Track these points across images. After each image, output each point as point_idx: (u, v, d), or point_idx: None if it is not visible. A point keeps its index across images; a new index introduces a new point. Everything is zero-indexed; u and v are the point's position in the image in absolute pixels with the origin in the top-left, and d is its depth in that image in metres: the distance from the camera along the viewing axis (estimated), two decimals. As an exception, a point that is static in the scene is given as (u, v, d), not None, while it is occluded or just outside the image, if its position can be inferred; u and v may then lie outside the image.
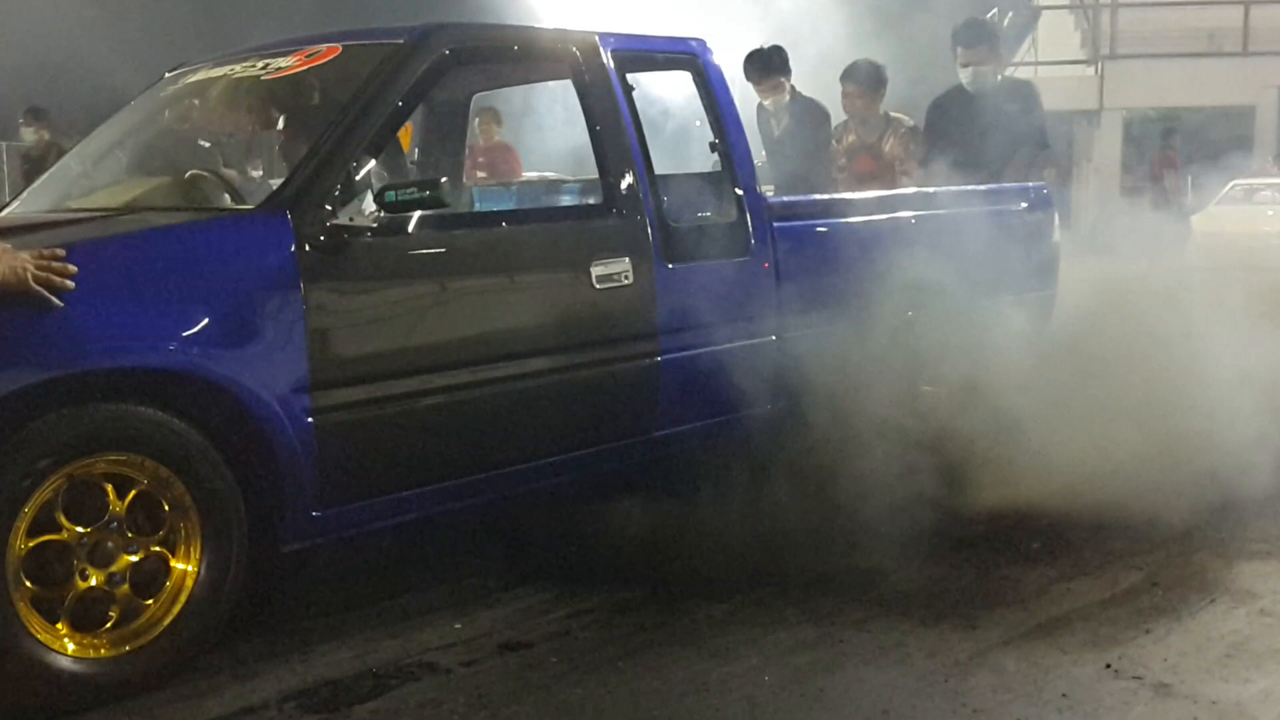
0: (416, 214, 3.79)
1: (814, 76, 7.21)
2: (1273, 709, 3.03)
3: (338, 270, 3.66)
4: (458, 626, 3.79)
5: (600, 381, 4.28)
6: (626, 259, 4.34)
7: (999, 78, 6.63)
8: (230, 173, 4.80)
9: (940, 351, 5.05)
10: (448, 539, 4.51)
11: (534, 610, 3.91)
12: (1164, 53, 19.90)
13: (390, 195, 3.70)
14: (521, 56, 4.62)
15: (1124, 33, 20.48)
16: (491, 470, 4.03)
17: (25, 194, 4.83)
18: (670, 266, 4.46)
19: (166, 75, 4.90)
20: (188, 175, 4.29)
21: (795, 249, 4.92)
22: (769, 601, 3.90)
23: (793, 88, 6.77)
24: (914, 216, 5.30)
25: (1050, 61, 20.56)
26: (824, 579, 4.02)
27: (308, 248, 3.60)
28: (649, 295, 4.40)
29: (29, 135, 10.52)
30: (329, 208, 3.68)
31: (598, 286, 4.25)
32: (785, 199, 5.20)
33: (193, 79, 4.71)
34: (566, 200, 5.30)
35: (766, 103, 6.81)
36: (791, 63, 6.71)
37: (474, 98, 5.74)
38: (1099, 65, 20.48)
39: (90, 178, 4.65)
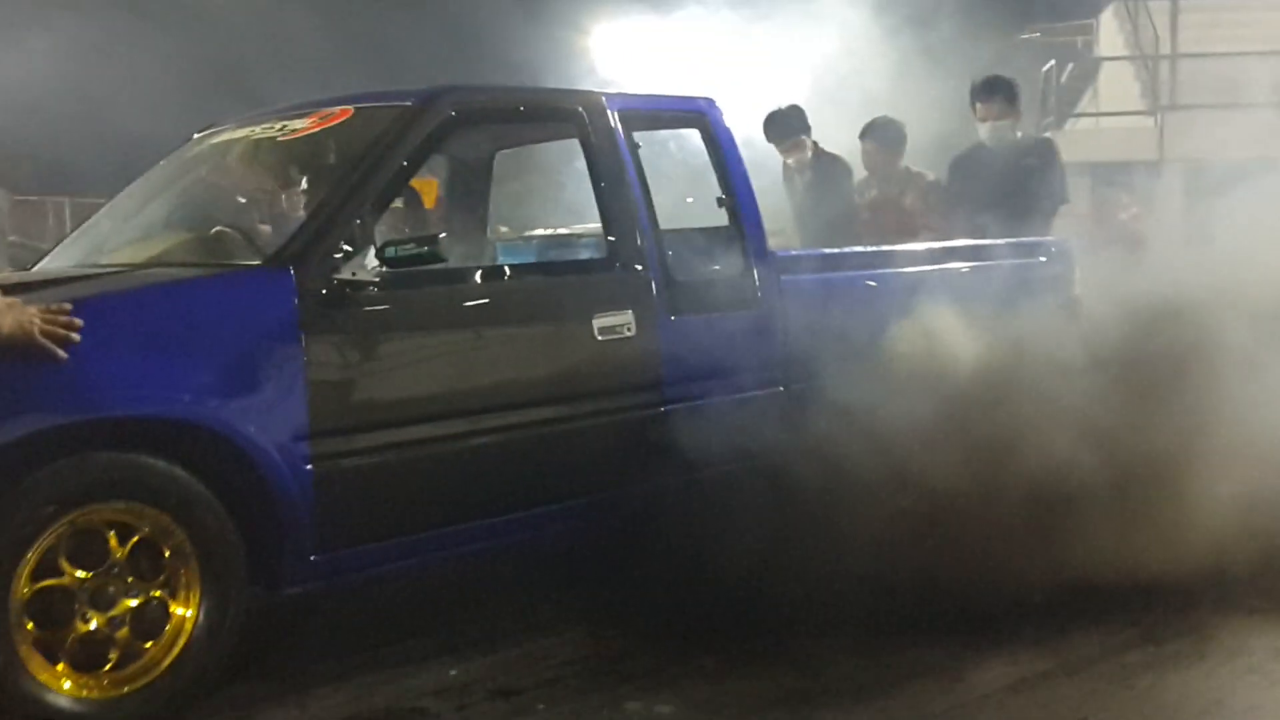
0: (417, 269, 3.90)
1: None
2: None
3: (339, 323, 3.79)
4: (453, 673, 3.87)
5: (601, 431, 4.36)
6: (630, 312, 4.43)
7: (1018, 134, 6.67)
8: (265, 228, 4.98)
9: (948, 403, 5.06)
10: (449, 586, 4.59)
11: (529, 657, 3.99)
12: (1224, 103, 19.75)
13: (390, 251, 3.83)
14: (528, 117, 4.76)
15: (1184, 83, 20.37)
16: (490, 518, 4.12)
17: (57, 248, 5.03)
18: (674, 319, 4.54)
19: (195, 136, 5.10)
20: (213, 231, 4.47)
21: (803, 302, 4.97)
22: (762, 652, 3.93)
23: (814, 144, 6.88)
24: (923, 270, 5.34)
25: (1110, 113, 20.48)
26: (817, 631, 4.05)
27: (309, 301, 3.73)
28: (652, 347, 4.49)
29: None
30: (332, 263, 3.81)
31: (600, 339, 4.34)
32: (792, 253, 5.25)
33: (218, 139, 4.90)
34: (583, 254, 5.40)
35: (789, 161, 6.92)
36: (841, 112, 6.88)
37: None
38: (1159, 116, 20.37)
39: (121, 233, 4.83)
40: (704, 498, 4.64)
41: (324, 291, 3.77)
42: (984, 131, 6.50)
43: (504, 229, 6.37)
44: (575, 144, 4.65)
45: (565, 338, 4.29)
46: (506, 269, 4.50)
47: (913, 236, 6.33)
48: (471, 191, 5.76)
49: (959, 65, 10.69)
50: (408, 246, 3.82)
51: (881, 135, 6.72)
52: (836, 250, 5.49)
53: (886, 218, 6.60)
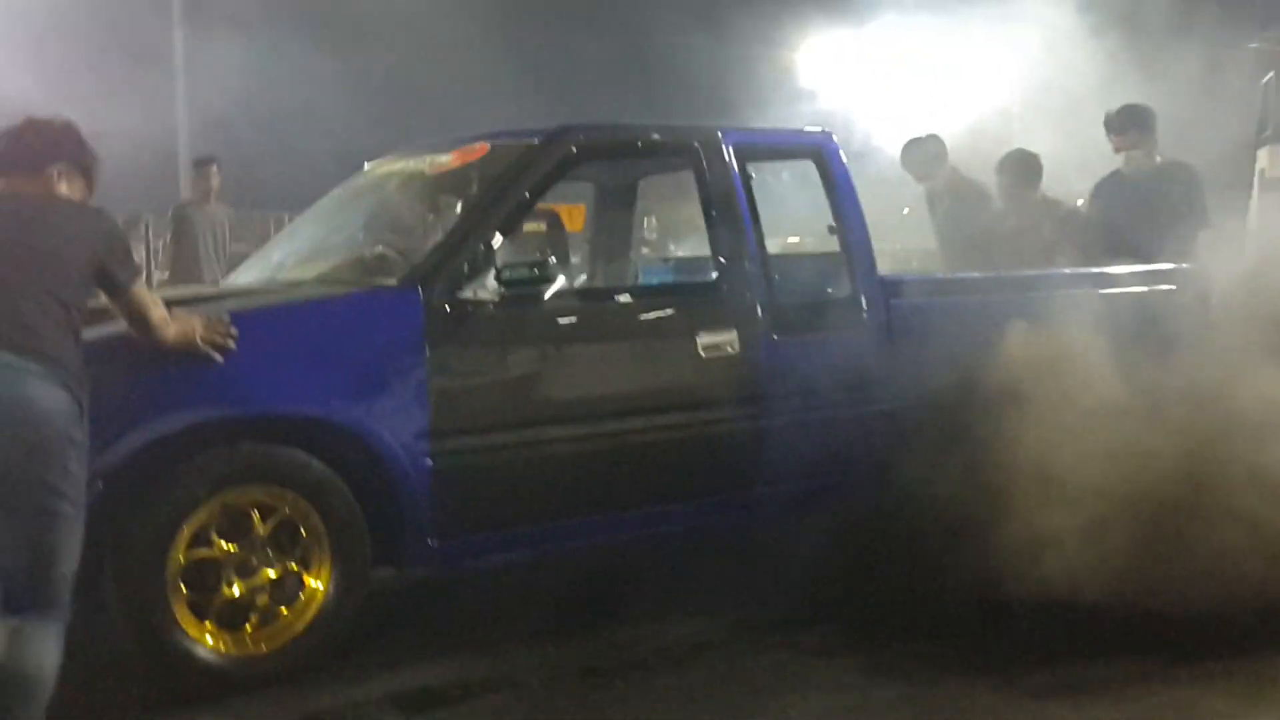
0: (533, 288, 4.37)
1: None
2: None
3: (460, 336, 4.29)
4: (549, 650, 4.30)
5: (701, 440, 4.73)
6: (734, 331, 4.80)
7: (1157, 159, 6.74)
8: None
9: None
10: (564, 577, 5.05)
11: (622, 643, 4.39)
12: None
13: (506, 273, 4.31)
14: (646, 151, 5.20)
15: None
16: (594, 515, 4.56)
17: (243, 266, 5.71)
18: (777, 338, 4.89)
19: (366, 166, 5.71)
20: (373, 252, 5.04)
21: (910, 323, 5.23)
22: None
23: (953, 169, 7.09)
24: (1034, 295, 5.49)
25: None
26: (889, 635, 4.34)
27: (434, 317, 4.24)
28: (755, 364, 4.85)
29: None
30: (456, 283, 4.31)
31: (703, 355, 4.72)
32: (900, 277, 5.50)
33: (381, 171, 5.50)
34: (694, 277, 5.77)
35: (926, 187, 7.15)
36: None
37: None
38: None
39: (296, 252, 5.46)
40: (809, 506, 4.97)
41: (448, 308, 4.27)
42: (1120, 161, 6.61)
43: (645, 250, 6.78)
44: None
45: (669, 354, 4.68)
46: (613, 290, 4.92)
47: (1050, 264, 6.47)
48: (616, 215, 6.23)
49: (1170, 72, 10.52)
50: (520, 269, 4.29)
51: (1014, 170, 6.89)
52: (946, 275, 5.71)
53: (1025, 245, 6.75)
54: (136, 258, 12.20)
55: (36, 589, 3.06)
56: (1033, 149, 7.13)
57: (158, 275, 12.42)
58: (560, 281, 4.50)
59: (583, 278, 5.88)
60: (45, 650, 3.07)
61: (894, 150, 7.58)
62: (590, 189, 6.24)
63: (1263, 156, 15.70)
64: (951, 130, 8.25)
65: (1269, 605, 4.21)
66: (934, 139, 7.26)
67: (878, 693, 3.91)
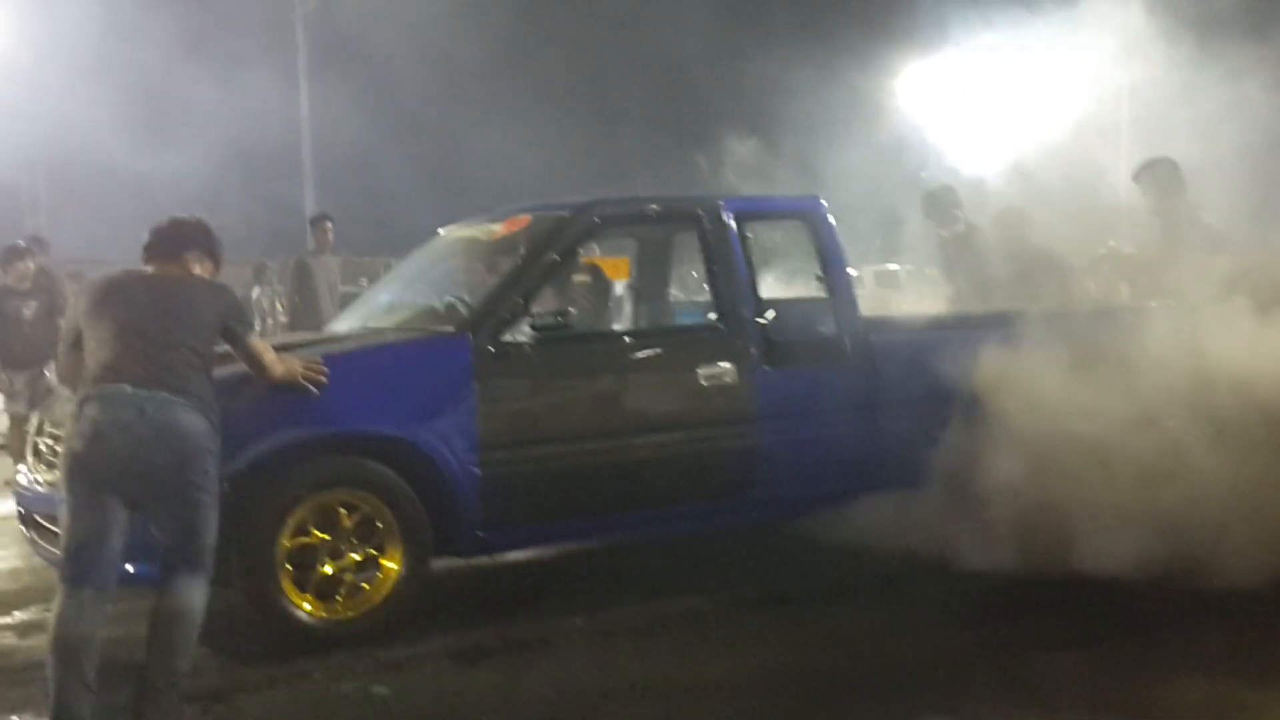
0: (559, 332, 5.51)
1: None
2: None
3: (502, 371, 5.44)
4: (573, 619, 5.42)
5: (704, 454, 5.82)
6: (731, 364, 5.89)
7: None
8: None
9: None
10: (587, 563, 6.18)
11: (631, 614, 5.49)
12: None
13: (536, 321, 5.47)
14: (658, 219, 6.34)
15: None
16: (613, 514, 5.69)
17: (342, 314, 6.96)
18: (768, 370, 5.96)
19: (440, 231, 6.93)
20: (439, 303, 6.24)
21: (888, 357, 6.25)
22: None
23: (966, 219, 8.04)
24: (1004, 331, 6.36)
25: None
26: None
27: (481, 357, 5.41)
28: (750, 391, 5.92)
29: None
30: (498, 329, 5.47)
31: (704, 384, 5.82)
32: (879, 317, 6.50)
33: (451, 237, 6.72)
34: (698, 320, 6.84)
35: (944, 233, 8.12)
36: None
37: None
38: None
39: (382, 303, 6.68)
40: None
41: (491, 350, 5.43)
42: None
43: (678, 294, 7.88)
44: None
45: (675, 383, 5.78)
46: (628, 333, 6.06)
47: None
48: (654, 266, 7.36)
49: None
50: (546, 318, 5.45)
51: (1154, 180, 7.26)
52: (919, 315, 6.68)
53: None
54: (266, 301, 13.74)
55: (187, 555, 4.27)
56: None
57: (282, 318, 13.92)
58: (585, 326, 5.65)
59: (621, 319, 7.03)
60: (196, 597, 4.27)
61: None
62: (632, 244, 7.39)
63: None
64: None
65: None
66: (948, 189, 8.24)
67: (829, 652, 4.96)
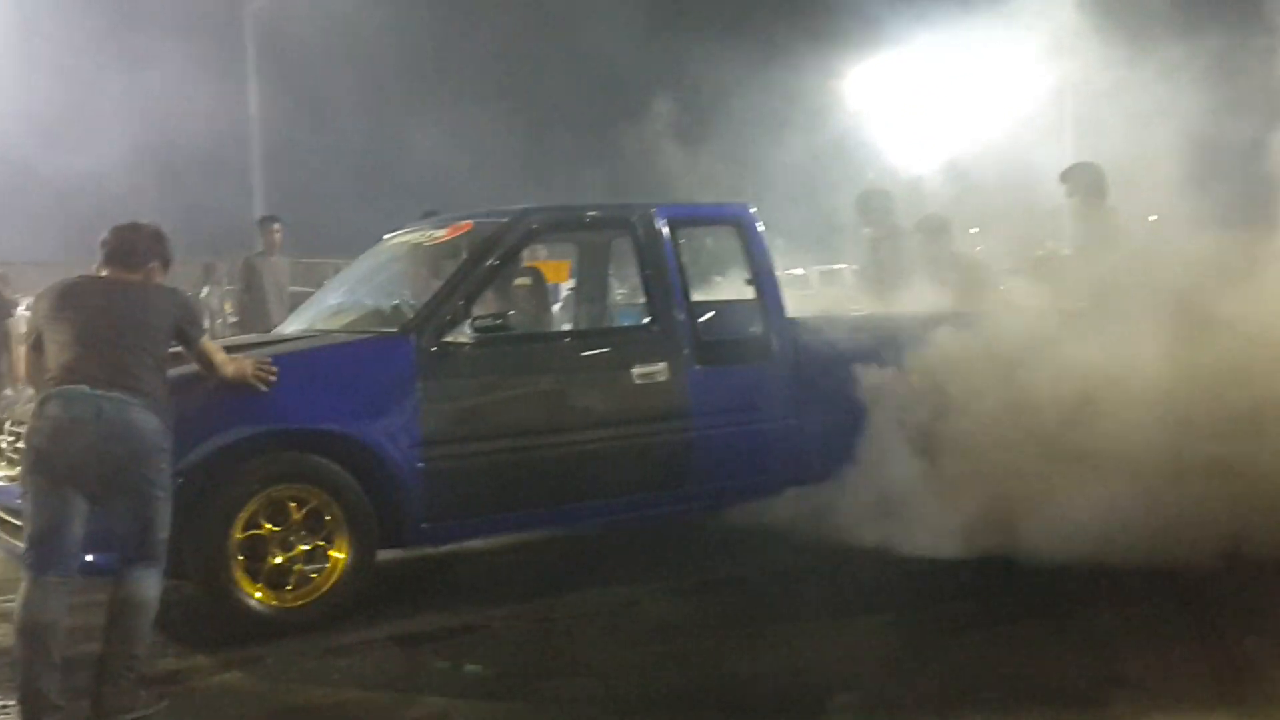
0: (497, 333, 5.79)
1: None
2: None
3: (444, 371, 5.71)
4: (514, 606, 5.71)
5: (639, 449, 6.12)
6: (664, 363, 6.19)
7: None
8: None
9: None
10: (527, 554, 6.47)
11: (569, 601, 5.77)
12: None
13: (476, 322, 5.74)
14: (593, 225, 6.64)
15: None
16: (551, 506, 5.98)
17: (291, 316, 7.20)
18: (699, 368, 6.27)
19: (385, 237, 7.19)
20: (383, 306, 6.51)
21: (813, 356, 6.58)
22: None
23: (894, 222, 8.41)
24: (915, 329, 6.77)
25: None
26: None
27: (424, 357, 5.67)
28: (682, 389, 6.22)
29: None
30: (439, 331, 5.74)
31: (638, 382, 6.12)
32: (804, 318, 6.83)
33: (395, 241, 6.98)
34: (633, 321, 7.15)
35: (868, 231, 8.49)
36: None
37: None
38: None
39: (329, 305, 6.93)
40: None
41: (433, 350, 5.70)
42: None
43: (620, 295, 8.17)
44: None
45: (609, 382, 6.08)
46: (565, 334, 6.36)
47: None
48: (594, 269, 7.65)
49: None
50: (485, 320, 5.73)
51: (1079, 183, 7.68)
52: (843, 316, 7.02)
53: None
54: (215, 300, 13.91)
55: (143, 547, 4.51)
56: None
57: (232, 317, 14.09)
58: (525, 327, 5.94)
59: (560, 320, 7.32)
60: (151, 585, 4.52)
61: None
62: (573, 248, 7.68)
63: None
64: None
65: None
66: (883, 191, 8.63)
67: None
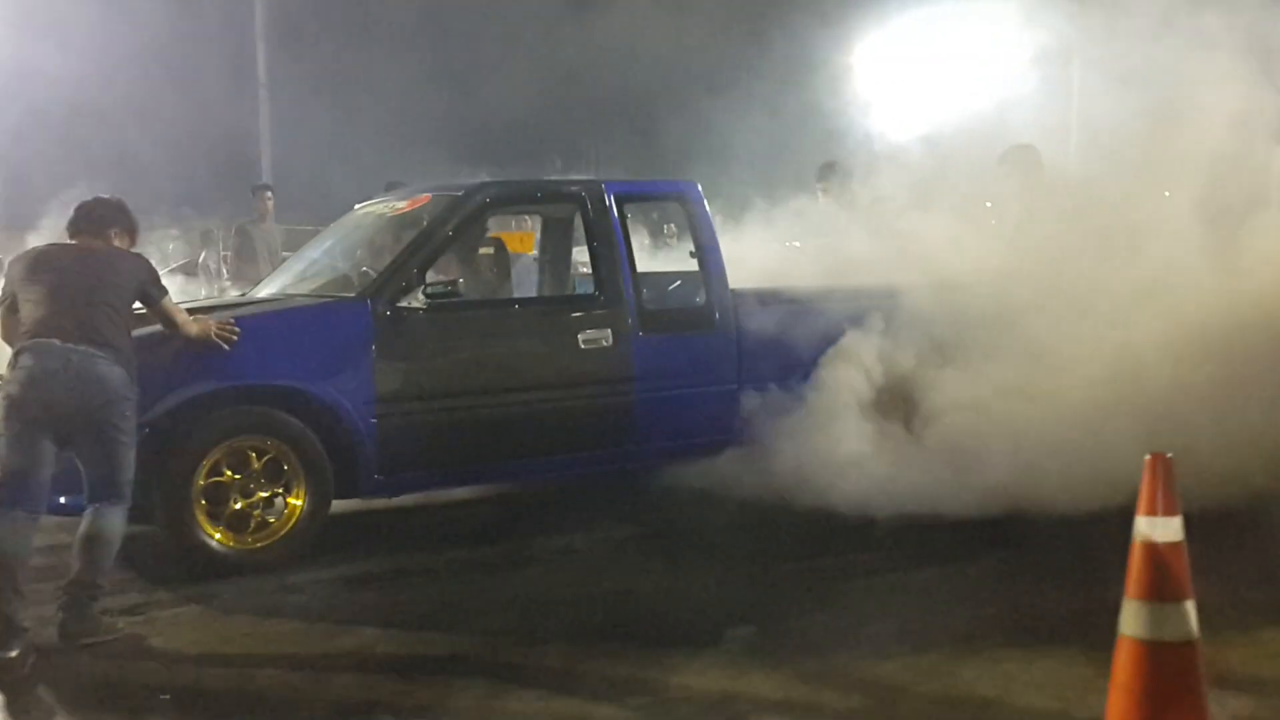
0: (453, 299, 6.21)
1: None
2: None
3: (398, 334, 6.13)
4: (459, 553, 6.15)
5: (584, 410, 6.54)
6: (609, 330, 6.61)
7: None
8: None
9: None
10: (474, 508, 6.92)
11: (513, 550, 6.22)
12: None
13: (429, 289, 6.16)
14: (545, 199, 7.04)
15: None
16: (498, 463, 6.42)
17: (266, 279, 7.64)
18: (643, 335, 6.68)
19: (356, 207, 7.61)
20: (354, 272, 6.93)
21: (755, 325, 6.99)
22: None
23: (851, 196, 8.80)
24: (851, 303, 7.19)
25: None
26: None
27: (379, 320, 6.10)
28: (626, 354, 6.64)
29: None
30: (394, 296, 6.16)
31: (584, 348, 6.54)
32: (747, 290, 7.22)
33: (363, 211, 7.41)
34: (581, 290, 7.56)
35: (823, 198, 8.91)
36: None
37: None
38: None
39: (301, 271, 7.36)
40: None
41: (388, 314, 6.13)
42: None
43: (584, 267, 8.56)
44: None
45: (556, 347, 6.50)
46: (515, 301, 6.79)
47: None
48: (556, 240, 8.06)
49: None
50: (438, 286, 6.14)
51: (1013, 161, 7.97)
52: (783, 288, 7.40)
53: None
54: (213, 263, 14.39)
55: (109, 487, 4.96)
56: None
57: (227, 280, 14.54)
58: (480, 294, 6.37)
59: (522, 288, 7.75)
60: (116, 522, 4.97)
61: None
62: (538, 220, 8.09)
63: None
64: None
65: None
66: (841, 163, 9.03)
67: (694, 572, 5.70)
